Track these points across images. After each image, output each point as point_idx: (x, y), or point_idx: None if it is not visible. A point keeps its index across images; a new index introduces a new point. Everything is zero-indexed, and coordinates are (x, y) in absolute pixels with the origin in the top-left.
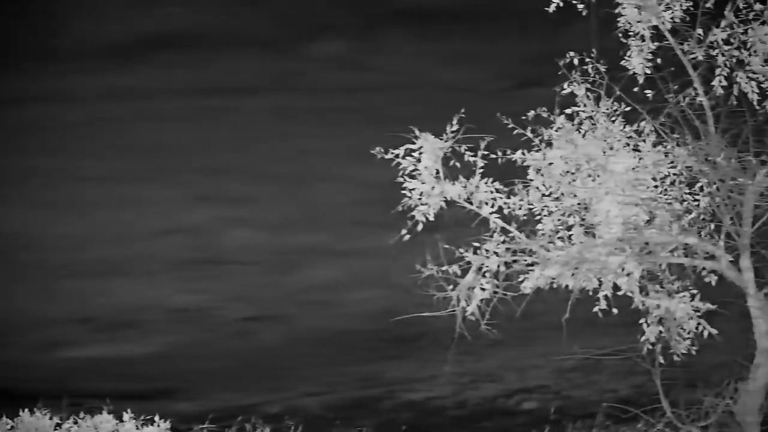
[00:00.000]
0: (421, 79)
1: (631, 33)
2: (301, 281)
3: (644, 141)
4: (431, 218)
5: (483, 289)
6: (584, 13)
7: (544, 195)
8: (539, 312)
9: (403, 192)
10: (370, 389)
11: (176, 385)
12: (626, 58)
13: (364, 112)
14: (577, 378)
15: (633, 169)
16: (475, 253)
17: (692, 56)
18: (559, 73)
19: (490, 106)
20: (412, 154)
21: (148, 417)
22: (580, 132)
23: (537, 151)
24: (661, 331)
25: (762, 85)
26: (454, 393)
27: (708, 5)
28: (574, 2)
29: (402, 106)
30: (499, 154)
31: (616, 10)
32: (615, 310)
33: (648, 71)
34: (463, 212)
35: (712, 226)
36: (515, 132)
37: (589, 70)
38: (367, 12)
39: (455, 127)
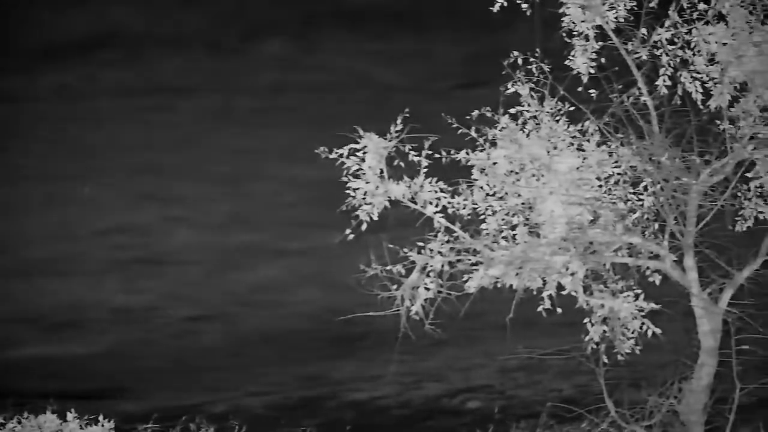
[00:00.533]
0: (364, 78)
1: (575, 33)
2: (244, 281)
3: (588, 141)
4: (375, 218)
5: (427, 289)
6: (528, 13)
7: (488, 195)
8: (483, 311)
9: (347, 192)
10: (314, 389)
11: (120, 384)
12: (570, 57)
13: (306, 111)
14: (521, 377)
15: (577, 168)
16: (419, 252)
17: (636, 56)
18: (503, 72)
19: (434, 106)
20: (356, 153)
21: (92, 417)
22: (524, 132)
23: (481, 150)
24: (605, 331)
25: (706, 85)
26: (399, 393)
27: (652, 5)
28: (519, 2)
29: (345, 105)
30: (444, 153)
31: (560, 10)
32: (559, 310)
33: (592, 71)
34: (407, 212)
35: (656, 225)
36: (459, 132)
37: (533, 70)
38: (308, 11)
39: (399, 127)
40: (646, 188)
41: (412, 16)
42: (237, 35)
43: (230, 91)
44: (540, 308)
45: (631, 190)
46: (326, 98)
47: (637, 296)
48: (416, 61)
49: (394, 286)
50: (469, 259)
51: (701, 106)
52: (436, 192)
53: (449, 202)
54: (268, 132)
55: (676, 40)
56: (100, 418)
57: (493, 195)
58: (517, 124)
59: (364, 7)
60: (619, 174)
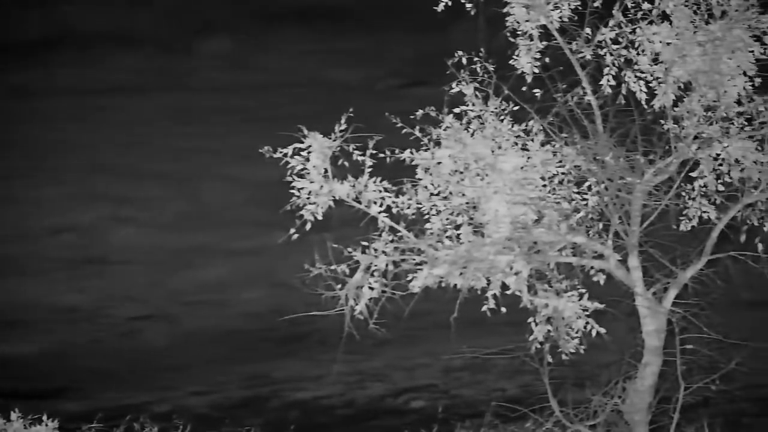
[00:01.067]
0: (309, 77)
1: (519, 32)
2: (190, 280)
3: (532, 140)
4: (320, 217)
5: (371, 288)
6: (473, 13)
7: (432, 194)
8: (427, 311)
9: (292, 191)
10: (258, 388)
11: (65, 384)
12: (515, 57)
13: (251, 110)
14: (465, 377)
15: (521, 168)
16: (363, 252)
17: (580, 55)
18: (448, 72)
19: (378, 105)
20: (301, 153)
21: (36, 416)
22: (468, 131)
23: (425, 150)
24: (549, 330)
25: (650, 84)
26: (342, 392)
27: (596, 4)
28: (463, 2)
29: (290, 105)
30: (388, 153)
31: (505, 10)
32: (503, 309)
33: (536, 70)
34: (351, 211)
35: (601, 225)
36: (404, 131)
37: (478, 70)
38: (253, 10)
39: (343, 126)
40: (590, 188)
41: (356, 15)
42: (187, 34)
43: (180, 91)
44: (484, 308)
45: (576, 190)
46: (274, 97)
47: (581, 296)
48: (360, 60)
49: (339, 286)
50: (414, 259)
51: (645, 106)
52: (380, 191)
53: (393, 202)
54: (216, 131)
55: (620, 39)
56: (44, 417)
57: (438, 194)
58: (461, 124)
59: (309, 6)
60: (563, 173)
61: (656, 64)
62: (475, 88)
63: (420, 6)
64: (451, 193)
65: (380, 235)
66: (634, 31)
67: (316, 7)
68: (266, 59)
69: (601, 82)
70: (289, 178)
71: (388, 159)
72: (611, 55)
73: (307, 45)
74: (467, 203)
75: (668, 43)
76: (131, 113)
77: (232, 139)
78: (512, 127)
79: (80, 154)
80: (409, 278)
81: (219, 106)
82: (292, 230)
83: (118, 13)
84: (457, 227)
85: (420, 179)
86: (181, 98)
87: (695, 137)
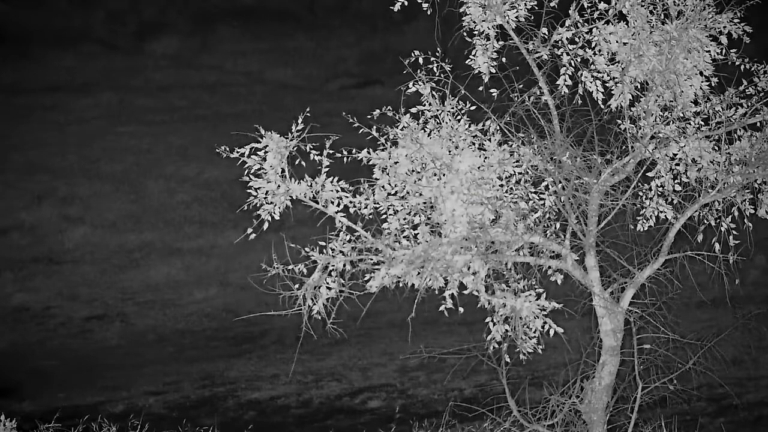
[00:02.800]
0: (265, 77)
1: (475, 32)
2: (139, 280)
3: (489, 140)
4: (277, 217)
5: (329, 288)
6: (429, 13)
7: (389, 194)
8: (385, 311)
9: (249, 191)
10: (214, 388)
11: (19, 384)
12: (471, 57)
13: (202, 110)
14: (422, 377)
15: (478, 168)
16: (320, 252)
17: (537, 55)
18: (404, 72)
19: (335, 105)
20: (258, 153)
21: None
22: (425, 131)
23: (383, 150)
24: (507, 330)
25: (606, 84)
26: (299, 392)
27: (552, 4)
28: (419, 1)
29: (246, 104)
30: (345, 153)
31: (461, 9)
32: (461, 309)
33: (493, 70)
34: (308, 211)
35: (558, 225)
36: (361, 131)
37: (434, 69)
38: (204, 10)
39: (300, 126)
40: (547, 187)
41: (313, 15)
42: (132, 34)
43: (125, 90)
44: (441, 307)
45: (533, 190)
46: (224, 97)
47: (538, 295)
48: (317, 60)
49: (296, 286)
50: (371, 259)
51: (602, 106)
52: (337, 191)
53: (351, 202)
54: (164, 130)
55: (576, 39)
56: (2, 417)
57: (395, 194)
58: (418, 124)
59: (264, 6)
60: (520, 173)
61: (613, 64)
62: (432, 88)
63: (377, 6)
64: (408, 192)
65: (337, 235)
66: (590, 31)
67: (269, 7)
68: (215, 58)
69: (557, 82)
70: (245, 178)
71: (345, 159)
72: (568, 55)
73: (260, 45)
74: (424, 203)
75: (625, 43)
76: (77, 112)
77: (183, 138)
78: (469, 126)
79: (26, 153)
80: (366, 278)
81: (163, 106)
82: (249, 230)
83: (57, 12)
84: (414, 227)
85: (377, 179)
86: (124, 98)
87: (652, 137)
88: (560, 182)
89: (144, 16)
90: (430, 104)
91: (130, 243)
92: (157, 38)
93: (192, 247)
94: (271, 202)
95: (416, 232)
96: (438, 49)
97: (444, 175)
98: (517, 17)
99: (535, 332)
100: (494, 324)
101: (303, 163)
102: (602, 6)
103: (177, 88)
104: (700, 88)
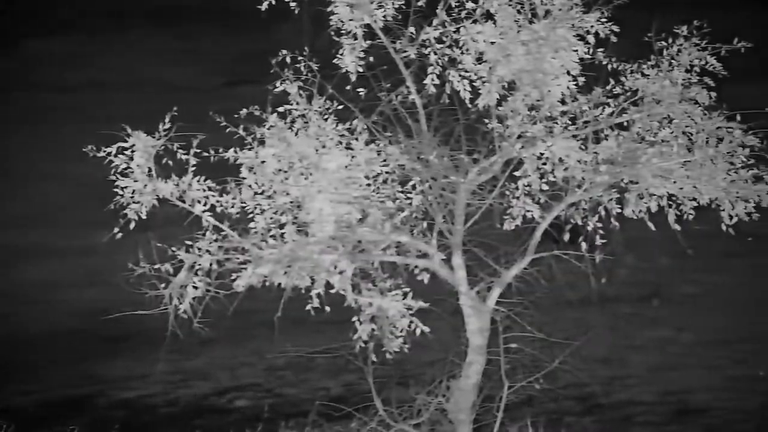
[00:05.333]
0: (134, 76)
1: (343, 31)
2: (13, 280)
3: (357, 139)
4: (144, 216)
5: (195, 288)
6: (297, 12)
7: (256, 193)
8: (252, 310)
9: (116, 190)
10: (83, 388)
11: None
12: (339, 56)
13: (77, 110)
14: (289, 376)
15: (345, 167)
16: (187, 251)
17: (405, 54)
18: (272, 71)
19: (202, 105)
20: (125, 152)
21: None
22: (292, 130)
23: (249, 149)
24: (373, 329)
25: (474, 84)
26: (167, 391)
27: (420, 4)
28: (287, 0)
29: (115, 104)
30: (212, 152)
31: (329, 9)
32: (327, 308)
33: (360, 69)
34: (175, 210)
35: (425, 224)
36: (228, 130)
37: (302, 68)
38: (80, 10)
39: (167, 125)
40: (414, 187)
41: (179, 15)
42: (15, 33)
43: (8, 90)
44: (308, 307)
45: (400, 189)
46: (98, 96)
47: (405, 295)
48: (184, 59)
49: (163, 285)
50: (238, 258)
51: (469, 105)
52: (204, 190)
53: (218, 201)
54: (41, 130)
55: (444, 38)
56: None
57: (262, 193)
58: (285, 123)
59: (133, 6)
60: (387, 172)
61: (480, 64)
62: (299, 87)
63: (243, 5)
64: (275, 192)
65: (204, 234)
66: (458, 31)
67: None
68: (91, 58)
69: (425, 81)
70: (113, 177)
71: (212, 158)
72: (435, 54)
73: (130, 44)
74: (291, 202)
75: (492, 43)
76: None
77: (59, 137)
78: (336, 126)
79: None
80: (233, 277)
81: (46, 106)
82: (116, 229)
83: None
84: (282, 226)
85: (244, 178)
86: (11, 97)
87: (519, 136)
88: (427, 181)
89: (26, 15)
90: (297, 103)
91: (7, 242)
92: (41, 39)
93: (66, 247)
94: (138, 201)
95: (283, 231)
96: (305, 48)
97: (311, 174)
98: (384, 16)
99: (401, 331)
100: (361, 323)
101: (170, 163)
102: (470, 5)
103: (60, 88)
104: (568, 88)
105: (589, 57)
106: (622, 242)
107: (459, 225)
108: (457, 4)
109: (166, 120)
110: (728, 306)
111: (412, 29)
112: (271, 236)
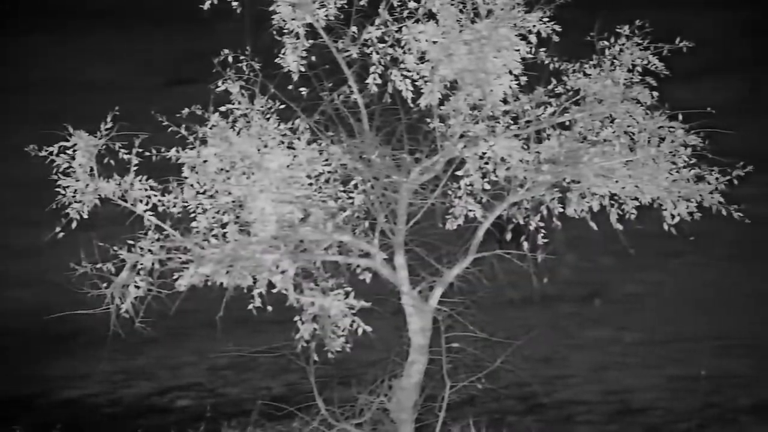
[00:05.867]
0: (75, 76)
1: (285, 30)
2: None
3: (299, 139)
4: (85, 216)
5: (137, 287)
6: (239, 11)
7: (198, 192)
8: (193, 309)
9: (58, 189)
10: (26, 388)
11: None
12: (281, 55)
13: (18, 109)
14: (231, 376)
15: (288, 166)
16: (129, 250)
17: (347, 54)
18: (214, 70)
19: (144, 104)
20: (66, 151)
21: None
22: (234, 130)
23: (191, 148)
24: (315, 329)
25: (416, 83)
26: (109, 391)
27: (362, 3)
28: (229, 0)
29: (56, 103)
30: (154, 151)
31: (271, 8)
32: (270, 308)
33: (302, 69)
34: (117, 210)
35: (367, 223)
36: (170, 129)
37: (244, 68)
38: (19, 9)
39: (109, 125)
40: (356, 186)
41: (120, 13)
42: None
43: None
44: (250, 306)
45: (342, 188)
46: (36, 96)
47: (347, 294)
48: (125, 58)
49: (105, 285)
50: (180, 258)
51: (411, 105)
52: (146, 190)
53: (159, 200)
54: None
55: (386, 38)
56: None
57: (204, 193)
58: (227, 122)
59: (68, 4)
60: (329, 172)
61: (422, 63)
62: (241, 87)
63: (185, 4)
64: (217, 191)
65: (146, 234)
66: (400, 30)
67: (73, 6)
68: (36, 59)
69: (367, 81)
70: (54, 177)
71: (154, 157)
72: (377, 53)
73: (67, 44)
74: (233, 202)
75: (434, 42)
76: None
77: None
78: (278, 125)
79: None
80: (175, 277)
81: None
82: (58, 229)
83: None
84: (224, 226)
85: (186, 178)
86: None
87: (461, 136)
88: (369, 181)
89: None
90: (239, 103)
91: None
92: None
93: (4, 246)
94: (80, 201)
95: (225, 230)
96: (247, 47)
97: (253, 173)
98: (327, 16)
99: (343, 331)
100: (303, 323)
101: (112, 162)
102: (412, 5)
103: None
104: (510, 87)
105: (532, 56)
106: (564, 242)
107: (401, 224)
108: (399, 3)
109: (108, 119)
110: (670, 306)
111: (354, 28)
112: (213, 236)
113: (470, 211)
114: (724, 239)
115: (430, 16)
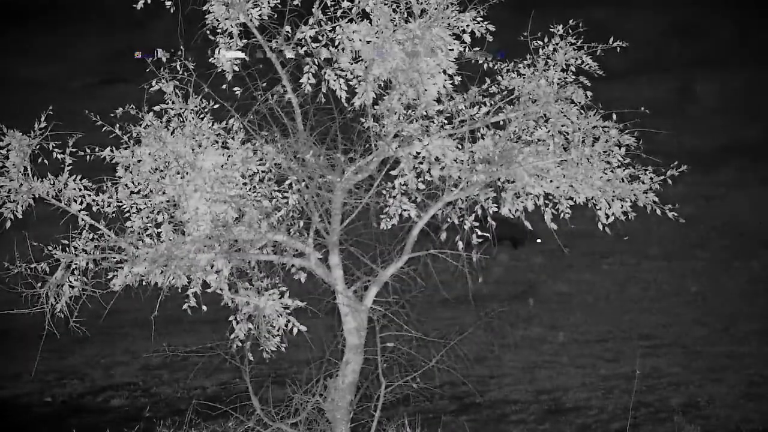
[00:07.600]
0: (7, 75)
1: (219, 30)
2: None
3: (233, 138)
4: (19, 215)
5: (72, 287)
6: (172, 11)
7: (132, 192)
8: (128, 309)
9: None
10: None
11: None
12: (215, 56)
13: None
14: (165, 375)
15: (222, 166)
16: (63, 250)
17: (281, 53)
18: (148, 70)
19: (78, 104)
20: None
21: None
22: (168, 129)
23: (126, 148)
24: (250, 328)
25: (350, 83)
26: (41, 390)
27: (296, 2)
28: None
29: None
30: (88, 151)
31: (204, 7)
32: (204, 308)
33: (236, 68)
34: (51, 209)
35: (302, 223)
36: (104, 129)
37: (178, 67)
38: None
39: (43, 124)
40: (290, 186)
41: (52, 11)
42: None
43: None
44: (185, 306)
45: (276, 188)
46: None
47: (282, 294)
48: (57, 57)
49: (39, 284)
50: (114, 257)
51: (346, 104)
52: (80, 190)
53: (94, 200)
54: None
55: (320, 37)
56: None
57: (138, 192)
58: (161, 122)
59: (6, 3)
60: (263, 172)
61: (356, 63)
62: (175, 86)
63: (118, 3)
64: (151, 191)
65: (80, 233)
66: (334, 30)
67: (10, 7)
68: None
69: (301, 81)
70: None
71: (88, 157)
72: (311, 53)
73: (9, 44)
74: (168, 201)
75: (368, 42)
76: None
77: None
78: (212, 125)
79: None
80: (109, 276)
81: None
82: None
83: None
84: (158, 225)
85: (120, 177)
86: None
87: (395, 135)
88: (304, 180)
89: None
90: (173, 102)
91: None
92: None
93: None
94: (14, 201)
95: (159, 230)
96: (181, 47)
97: (187, 173)
98: (260, 15)
99: (278, 330)
100: (238, 322)
101: (46, 162)
102: (345, 4)
103: None
104: (444, 87)
105: (466, 58)
106: (497, 241)
107: (336, 224)
108: (332, 3)
109: (42, 119)
110: (602, 305)
111: (288, 28)
112: (147, 235)
113: (405, 210)
114: (656, 238)
115: (364, 15)
